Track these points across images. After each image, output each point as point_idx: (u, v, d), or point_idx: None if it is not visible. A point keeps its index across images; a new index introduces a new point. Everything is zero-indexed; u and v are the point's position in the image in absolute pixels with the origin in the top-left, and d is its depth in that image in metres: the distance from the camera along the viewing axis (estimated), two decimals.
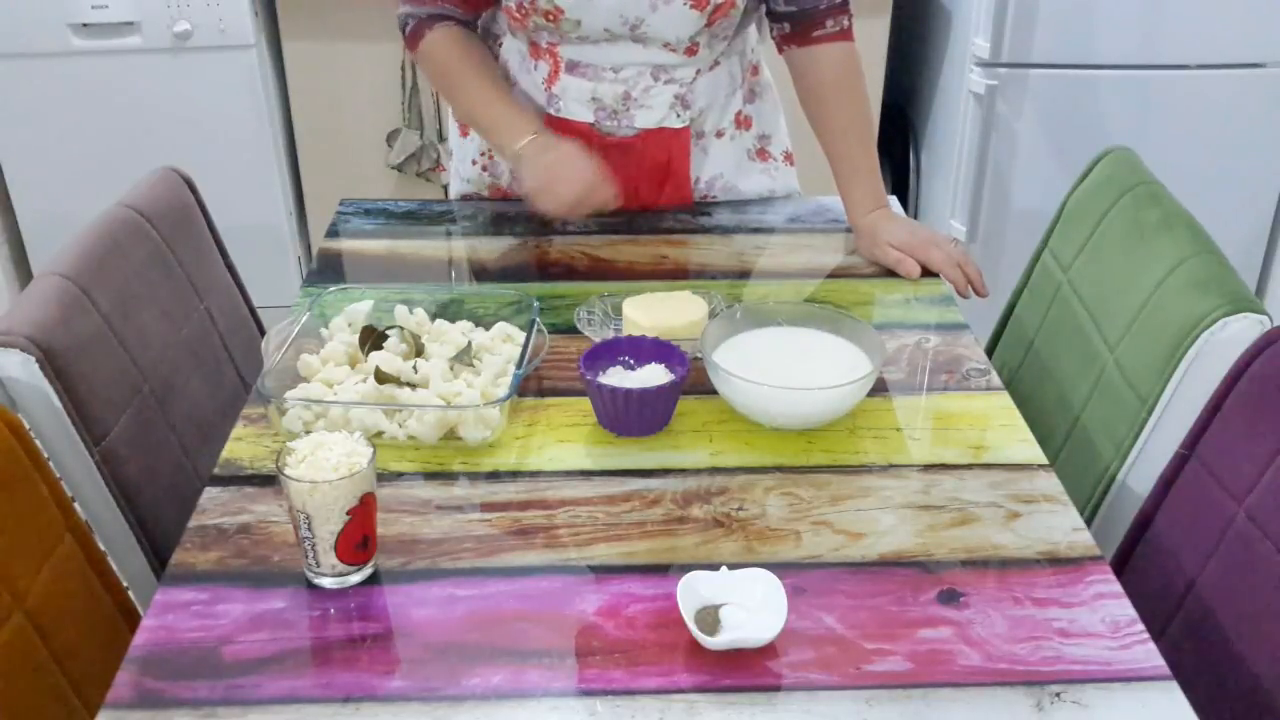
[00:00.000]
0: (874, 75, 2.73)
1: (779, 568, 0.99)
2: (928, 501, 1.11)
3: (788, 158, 1.72)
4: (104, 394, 1.22)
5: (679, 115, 1.56)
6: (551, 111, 1.56)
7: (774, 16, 1.56)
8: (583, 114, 1.55)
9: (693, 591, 0.95)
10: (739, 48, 1.61)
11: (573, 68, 1.52)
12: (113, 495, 1.21)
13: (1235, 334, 1.18)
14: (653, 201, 1.64)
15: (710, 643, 0.92)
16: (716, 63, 1.57)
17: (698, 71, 1.55)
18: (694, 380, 1.23)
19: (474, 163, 1.69)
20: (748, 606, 0.95)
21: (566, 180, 1.45)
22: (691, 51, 1.51)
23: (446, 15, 1.54)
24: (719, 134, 1.63)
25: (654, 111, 1.55)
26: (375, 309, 1.33)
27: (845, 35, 1.54)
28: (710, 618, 0.95)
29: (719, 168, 1.66)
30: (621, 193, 1.62)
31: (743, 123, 1.65)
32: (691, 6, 1.44)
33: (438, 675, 0.91)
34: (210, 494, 1.11)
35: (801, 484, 1.13)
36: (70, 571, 1.10)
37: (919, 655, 0.93)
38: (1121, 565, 1.23)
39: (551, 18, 1.45)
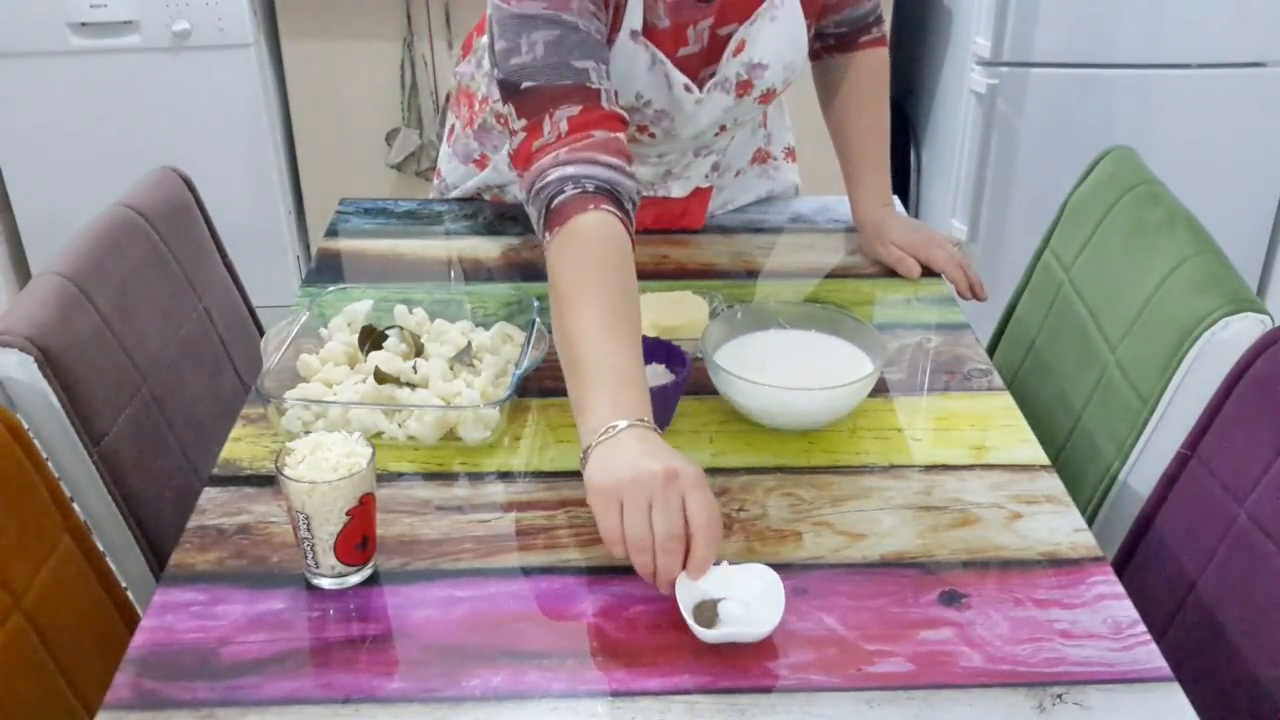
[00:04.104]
0: None
1: (780, 568, 0.98)
2: (929, 502, 1.10)
3: (789, 154, 1.71)
4: (103, 394, 1.21)
5: (708, 177, 1.57)
6: None
7: (820, 36, 1.54)
8: None
9: (692, 585, 0.95)
10: None
11: None
12: (111, 495, 1.20)
13: (1237, 333, 1.17)
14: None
15: (706, 635, 0.92)
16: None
17: (732, 138, 1.55)
18: (695, 380, 1.23)
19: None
20: (746, 601, 0.95)
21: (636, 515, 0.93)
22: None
23: (615, 188, 1.14)
24: (737, 174, 1.64)
25: (690, 181, 1.56)
26: (375, 309, 1.33)
27: (883, 41, 1.55)
28: (708, 612, 0.95)
29: (727, 196, 1.66)
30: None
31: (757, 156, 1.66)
32: (759, 101, 1.42)
33: (437, 676, 0.91)
34: (209, 494, 1.11)
35: (802, 485, 1.13)
36: (69, 572, 1.09)
37: (920, 656, 0.93)
38: (1123, 566, 1.23)
39: (645, 131, 1.40)
